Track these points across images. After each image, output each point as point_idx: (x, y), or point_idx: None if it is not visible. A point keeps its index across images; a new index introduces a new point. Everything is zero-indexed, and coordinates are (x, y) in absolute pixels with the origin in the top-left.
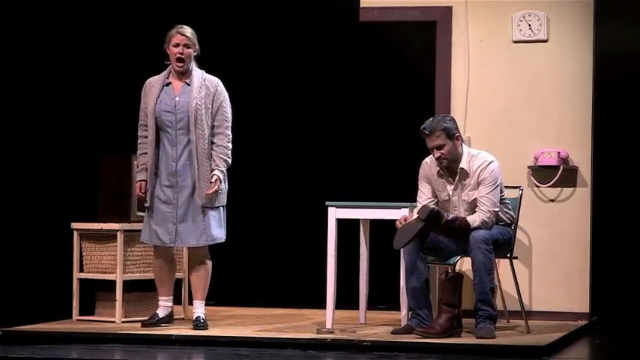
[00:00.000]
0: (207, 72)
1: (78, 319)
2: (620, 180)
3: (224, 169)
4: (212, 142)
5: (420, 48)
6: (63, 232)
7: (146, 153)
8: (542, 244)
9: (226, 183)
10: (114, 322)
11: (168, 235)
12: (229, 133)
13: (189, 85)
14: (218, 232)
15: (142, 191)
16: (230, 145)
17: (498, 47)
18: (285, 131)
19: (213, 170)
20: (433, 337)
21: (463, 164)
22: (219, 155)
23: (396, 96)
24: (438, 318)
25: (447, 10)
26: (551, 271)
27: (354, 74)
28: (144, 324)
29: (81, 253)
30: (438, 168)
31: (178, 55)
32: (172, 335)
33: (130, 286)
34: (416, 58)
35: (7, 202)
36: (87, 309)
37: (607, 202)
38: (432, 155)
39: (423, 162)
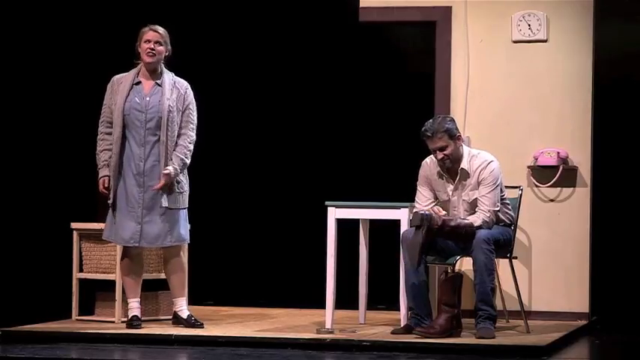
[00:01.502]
0: (207, 73)
1: (77, 319)
2: (620, 180)
3: (179, 168)
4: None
5: (420, 48)
6: (63, 232)
7: (108, 150)
8: (542, 244)
9: (187, 185)
10: (113, 322)
11: (131, 234)
12: (193, 135)
13: (159, 85)
14: (185, 232)
15: (106, 186)
16: (191, 147)
17: (498, 47)
18: (285, 131)
19: (166, 166)
20: (433, 337)
21: (464, 164)
22: (178, 154)
23: (395, 96)
24: (438, 318)
25: (447, 10)
26: (550, 271)
27: (353, 74)
28: (129, 325)
29: (80, 253)
30: (439, 168)
31: (149, 50)
32: (172, 335)
33: None
34: (416, 58)
35: (7, 203)
36: (86, 309)
37: (607, 202)
38: (431, 156)
39: (423, 162)
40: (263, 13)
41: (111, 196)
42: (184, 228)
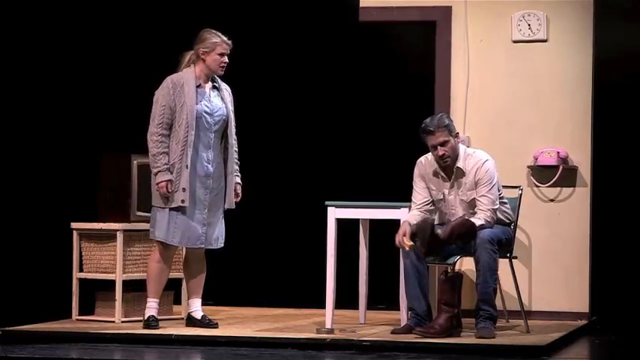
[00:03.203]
0: None
1: (77, 319)
2: (620, 180)
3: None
4: None
5: (420, 48)
6: (63, 232)
7: (166, 153)
8: (542, 244)
9: None
10: (113, 321)
11: (198, 237)
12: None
13: (217, 88)
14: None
15: (170, 190)
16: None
17: (498, 47)
18: (284, 131)
19: (236, 178)
20: (433, 336)
21: (459, 163)
22: (236, 161)
23: (395, 96)
24: (438, 318)
25: (447, 10)
26: (550, 270)
27: (353, 74)
28: (147, 325)
29: (80, 252)
30: (434, 167)
31: (223, 64)
32: (172, 335)
33: (129, 285)
34: (415, 58)
35: (8, 203)
36: (86, 309)
37: (607, 202)
38: (426, 155)
39: (418, 161)
40: (263, 13)
41: (178, 197)
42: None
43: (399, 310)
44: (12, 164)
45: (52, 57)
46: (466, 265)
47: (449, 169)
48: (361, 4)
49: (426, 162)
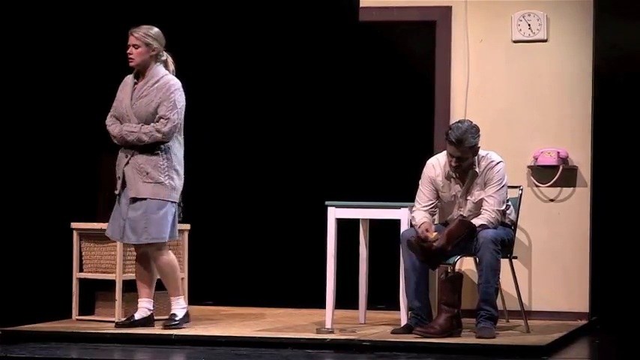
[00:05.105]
0: (208, 73)
1: (77, 319)
2: (620, 180)
3: (125, 130)
4: None
5: (420, 48)
6: (63, 232)
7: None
8: (542, 244)
9: (180, 180)
10: (113, 321)
11: (119, 231)
12: (151, 128)
13: (152, 84)
14: (160, 230)
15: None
16: (163, 129)
17: (498, 47)
18: (285, 131)
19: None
20: (433, 336)
21: (474, 167)
22: (149, 126)
23: (395, 96)
24: (438, 318)
25: (447, 10)
26: (550, 270)
27: (353, 74)
28: (117, 324)
29: (80, 252)
30: (447, 170)
31: (129, 56)
32: (172, 335)
33: (129, 285)
34: (415, 58)
35: (7, 202)
36: (86, 309)
37: (606, 202)
38: (437, 157)
39: (429, 162)
40: (263, 13)
41: (118, 186)
42: (162, 225)
43: (399, 310)
44: (12, 164)
45: (52, 57)
46: (466, 265)
47: (463, 172)
48: (361, 4)
49: (437, 164)
